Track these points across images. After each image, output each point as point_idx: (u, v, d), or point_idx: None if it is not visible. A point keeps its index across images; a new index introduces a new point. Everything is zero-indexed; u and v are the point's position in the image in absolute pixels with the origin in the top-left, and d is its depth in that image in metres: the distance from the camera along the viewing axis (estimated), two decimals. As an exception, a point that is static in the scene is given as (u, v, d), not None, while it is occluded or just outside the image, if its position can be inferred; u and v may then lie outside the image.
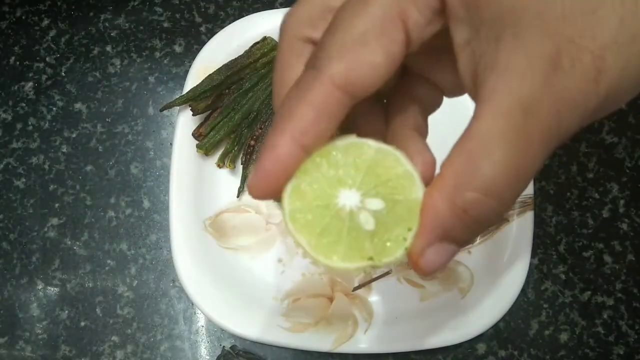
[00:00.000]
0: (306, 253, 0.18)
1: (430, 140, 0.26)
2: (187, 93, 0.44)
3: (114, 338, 0.44)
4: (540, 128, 0.16)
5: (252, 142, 0.44)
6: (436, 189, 0.17)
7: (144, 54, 0.50)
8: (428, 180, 0.19)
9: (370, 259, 0.17)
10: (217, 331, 0.43)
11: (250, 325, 0.40)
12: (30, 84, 0.50)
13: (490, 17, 0.16)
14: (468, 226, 0.17)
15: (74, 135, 0.48)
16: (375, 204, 0.18)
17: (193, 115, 0.44)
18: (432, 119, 0.27)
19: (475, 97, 0.18)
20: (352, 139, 0.19)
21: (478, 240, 0.43)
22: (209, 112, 0.45)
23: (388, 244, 0.18)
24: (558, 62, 0.15)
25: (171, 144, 0.45)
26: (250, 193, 0.18)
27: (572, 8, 0.15)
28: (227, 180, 0.45)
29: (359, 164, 0.18)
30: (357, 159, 0.18)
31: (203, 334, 0.43)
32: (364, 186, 0.18)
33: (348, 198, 0.18)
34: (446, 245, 0.17)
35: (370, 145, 0.19)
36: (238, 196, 0.44)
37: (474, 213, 0.16)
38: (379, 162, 0.18)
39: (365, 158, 0.18)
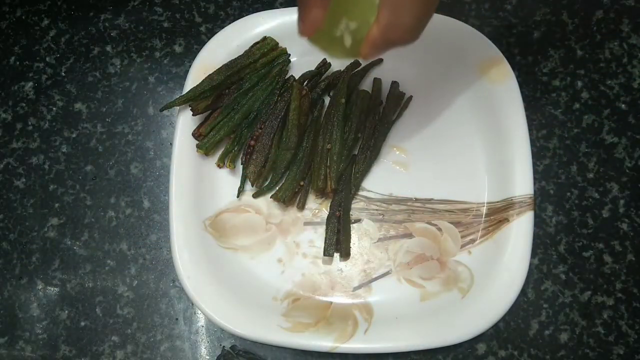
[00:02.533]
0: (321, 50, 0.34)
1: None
2: (187, 93, 0.44)
3: (114, 338, 0.44)
4: None
5: (252, 142, 0.44)
6: (376, 26, 0.30)
7: (144, 54, 0.50)
8: None
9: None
10: (217, 331, 0.43)
11: (250, 325, 0.40)
12: (30, 84, 0.50)
13: None
14: (391, 45, 0.31)
15: (74, 135, 0.48)
16: (352, 25, 0.32)
17: (193, 115, 0.44)
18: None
19: None
20: None
21: (478, 240, 0.43)
22: (209, 112, 0.45)
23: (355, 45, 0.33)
24: None
25: (171, 144, 0.45)
26: (302, 34, 0.32)
27: None
28: (227, 180, 0.45)
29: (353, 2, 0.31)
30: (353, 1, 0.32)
31: (203, 334, 0.43)
32: (350, 15, 0.32)
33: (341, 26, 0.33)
34: (379, 49, 0.31)
35: None
36: (238, 196, 0.44)
37: (395, 43, 0.31)
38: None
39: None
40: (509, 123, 0.43)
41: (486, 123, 0.44)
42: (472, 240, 0.43)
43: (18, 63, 0.50)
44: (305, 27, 0.31)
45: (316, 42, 0.34)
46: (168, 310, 0.44)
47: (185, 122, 0.44)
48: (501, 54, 0.44)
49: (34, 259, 0.46)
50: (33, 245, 0.46)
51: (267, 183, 0.45)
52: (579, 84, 0.47)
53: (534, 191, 0.42)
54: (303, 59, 0.47)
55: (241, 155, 0.45)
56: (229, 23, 0.47)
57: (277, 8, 0.49)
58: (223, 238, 0.43)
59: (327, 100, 0.47)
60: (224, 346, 0.43)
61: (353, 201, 0.44)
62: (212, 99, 0.44)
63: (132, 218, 0.46)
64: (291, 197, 0.44)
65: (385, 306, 0.41)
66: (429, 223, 0.44)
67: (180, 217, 0.42)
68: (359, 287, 0.42)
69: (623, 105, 0.47)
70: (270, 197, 0.44)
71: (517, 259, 0.41)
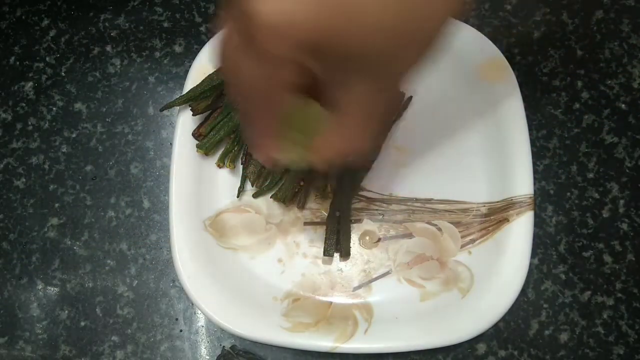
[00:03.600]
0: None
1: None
2: (187, 93, 0.44)
3: (114, 338, 0.44)
4: (381, 107, 0.29)
5: (252, 142, 0.44)
6: (325, 147, 0.30)
7: (144, 54, 0.50)
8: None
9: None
10: (217, 331, 0.43)
11: (250, 325, 0.40)
12: (30, 84, 0.50)
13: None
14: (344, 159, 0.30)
15: (74, 135, 0.48)
16: (302, 138, 0.31)
17: (193, 115, 0.44)
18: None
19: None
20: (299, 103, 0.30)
21: (478, 240, 0.43)
22: (209, 112, 0.45)
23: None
24: None
25: (171, 144, 0.45)
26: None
27: None
28: (227, 180, 0.45)
29: (302, 116, 0.31)
30: (301, 116, 0.31)
31: (203, 334, 0.43)
32: (301, 128, 0.31)
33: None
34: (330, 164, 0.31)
35: (306, 105, 0.31)
36: (238, 196, 0.44)
37: (348, 157, 0.30)
38: (310, 115, 0.31)
39: (304, 113, 0.31)
40: (509, 123, 0.43)
41: (486, 123, 0.44)
42: (472, 240, 0.43)
43: (18, 63, 0.50)
44: (265, 161, 0.32)
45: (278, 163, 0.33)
46: (168, 310, 0.44)
47: (185, 122, 0.44)
48: (501, 54, 0.44)
49: (34, 259, 0.46)
50: (33, 245, 0.46)
51: (267, 183, 0.45)
52: (579, 84, 0.47)
53: (534, 191, 0.42)
54: (303, 59, 0.47)
55: (241, 155, 0.45)
56: (229, 23, 0.47)
57: (277, 8, 0.49)
58: (223, 238, 0.43)
59: (327, 100, 0.46)
60: (224, 346, 0.43)
61: (353, 201, 0.44)
62: (212, 99, 0.44)
63: (132, 218, 0.46)
64: (291, 197, 0.44)
65: (385, 306, 0.41)
66: (429, 223, 0.44)
67: (180, 217, 0.42)
68: (359, 287, 0.42)
69: (623, 105, 0.47)
70: (270, 197, 0.44)
71: (517, 259, 0.41)
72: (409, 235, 0.44)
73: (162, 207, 0.46)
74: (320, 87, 0.28)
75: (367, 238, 0.44)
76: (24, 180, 0.47)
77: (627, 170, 0.45)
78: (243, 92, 0.26)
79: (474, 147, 0.45)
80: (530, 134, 0.43)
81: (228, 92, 0.30)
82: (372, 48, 0.23)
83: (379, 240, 0.44)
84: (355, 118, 0.28)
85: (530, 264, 0.41)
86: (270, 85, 0.25)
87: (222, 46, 0.25)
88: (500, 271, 0.41)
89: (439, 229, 0.43)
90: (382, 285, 0.42)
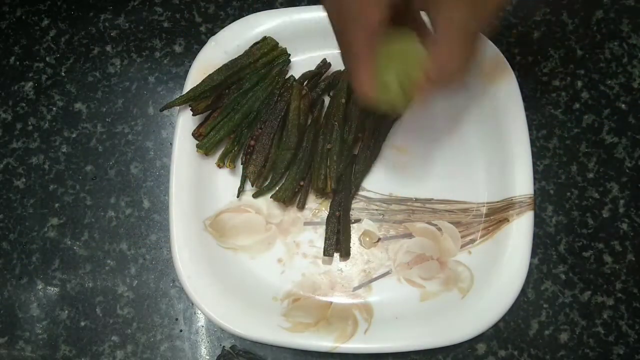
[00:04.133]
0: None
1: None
2: (187, 93, 0.44)
3: (114, 338, 0.44)
4: (477, 27, 0.30)
5: (252, 142, 0.44)
6: (424, 78, 0.31)
7: (144, 54, 0.50)
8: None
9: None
10: (217, 331, 0.43)
11: (250, 325, 0.40)
12: (30, 84, 0.50)
13: None
14: (442, 89, 0.33)
15: (74, 135, 0.48)
16: (403, 78, 0.33)
17: (193, 115, 0.44)
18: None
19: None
20: (399, 42, 0.32)
21: (478, 240, 0.43)
22: (209, 112, 0.45)
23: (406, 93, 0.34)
24: None
25: (171, 144, 0.45)
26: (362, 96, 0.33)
27: None
28: (227, 180, 0.45)
29: (401, 56, 0.32)
30: (401, 55, 0.32)
31: (203, 334, 0.43)
32: (400, 68, 0.32)
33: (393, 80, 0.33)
34: (431, 95, 0.33)
35: (405, 43, 0.32)
36: (238, 196, 0.44)
37: (447, 84, 0.32)
38: (409, 53, 0.32)
39: (404, 52, 0.32)
40: (509, 123, 0.43)
41: (486, 123, 0.44)
42: (472, 240, 0.43)
43: (18, 63, 0.50)
44: (362, 92, 0.32)
45: (378, 104, 0.34)
46: (168, 310, 0.44)
47: (185, 122, 0.44)
48: (501, 54, 0.44)
49: (34, 259, 0.46)
50: (33, 245, 0.46)
51: (267, 183, 0.45)
52: (579, 84, 0.47)
53: (534, 191, 0.42)
54: (303, 59, 0.47)
55: (241, 155, 0.45)
56: (229, 23, 0.47)
57: (277, 8, 0.49)
58: (223, 238, 0.43)
59: (327, 100, 0.47)
60: (224, 346, 0.43)
61: (353, 201, 0.44)
62: (212, 99, 0.44)
63: (132, 218, 0.46)
64: (291, 197, 0.44)
65: (385, 306, 0.41)
66: (429, 223, 0.44)
67: (180, 217, 0.42)
68: (359, 287, 0.42)
69: (623, 105, 0.47)
70: (270, 197, 0.44)
71: (517, 259, 0.41)
72: (409, 235, 0.44)
73: (162, 207, 0.46)
74: (417, 19, 0.29)
75: (367, 238, 0.44)
76: (24, 180, 0.47)
77: (627, 170, 0.45)
78: (344, 18, 0.27)
79: (474, 147, 0.45)
80: (530, 134, 0.43)
81: (330, 20, 0.31)
82: None
83: (379, 240, 0.44)
84: (452, 41, 0.29)
85: (530, 264, 0.41)
86: (369, 5, 0.26)
87: None
88: (500, 271, 0.41)
89: (439, 229, 0.43)
90: (382, 285, 0.42)
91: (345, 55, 0.31)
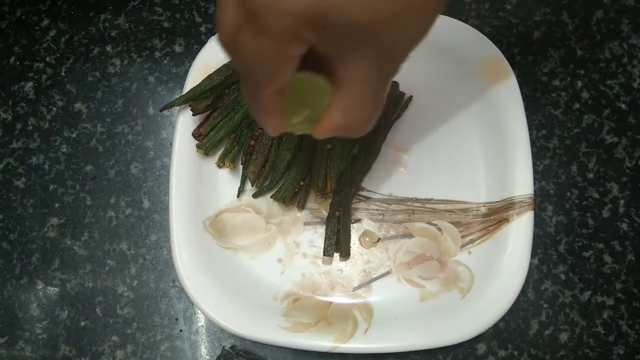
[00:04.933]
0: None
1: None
2: (187, 93, 0.44)
3: (114, 338, 0.44)
4: (386, 78, 0.29)
5: (252, 142, 0.44)
6: (328, 121, 0.30)
7: (144, 54, 0.50)
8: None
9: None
10: (217, 331, 0.43)
11: (250, 325, 0.40)
12: (30, 84, 0.50)
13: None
14: (347, 135, 0.31)
15: (74, 135, 0.48)
16: (306, 112, 0.31)
17: (193, 115, 0.44)
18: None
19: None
20: (302, 78, 0.29)
21: (478, 240, 0.43)
22: (209, 112, 0.45)
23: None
24: None
25: (171, 144, 0.45)
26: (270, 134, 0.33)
27: None
28: (227, 180, 0.45)
29: (305, 91, 0.30)
30: (304, 90, 0.30)
31: (203, 334, 0.43)
32: (304, 103, 0.31)
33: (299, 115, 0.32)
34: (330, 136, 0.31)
35: (308, 79, 0.29)
36: (238, 196, 0.44)
37: (352, 134, 0.31)
38: (312, 89, 0.30)
39: (307, 88, 0.30)
40: (509, 123, 0.43)
41: (486, 123, 0.44)
42: (472, 240, 0.43)
43: (18, 63, 0.50)
44: (270, 132, 0.32)
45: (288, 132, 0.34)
46: (168, 310, 0.44)
47: (185, 122, 0.44)
48: (501, 54, 0.44)
49: (34, 259, 0.46)
50: (33, 245, 0.46)
51: (267, 183, 0.45)
52: (579, 84, 0.47)
53: (534, 191, 0.42)
54: (303, 59, 0.47)
55: (241, 155, 0.45)
56: (229, 23, 0.47)
57: (277, 8, 0.49)
58: (223, 238, 0.43)
59: (327, 100, 0.46)
60: (224, 346, 0.43)
61: (353, 201, 0.44)
62: (212, 99, 0.44)
63: (132, 218, 0.46)
64: (291, 197, 0.44)
65: (385, 306, 0.41)
66: (429, 223, 0.44)
67: (180, 217, 0.42)
68: (359, 287, 0.42)
69: (623, 105, 0.47)
70: (270, 197, 0.44)
71: (517, 259, 0.41)
72: (409, 235, 0.44)
73: (162, 207, 0.46)
74: (323, 62, 0.28)
75: (367, 238, 0.44)
76: (24, 180, 0.47)
77: (627, 170, 0.45)
78: (248, 69, 0.27)
79: (474, 147, 0.45)
80: (530, 134, 0.43)
81: (235, 67, 0.30)
82: (365, 21, 0.24)
83: (379, 240, 0.44)
84: (356, 93, 0.28)
85: (530, 264, 0.41)
86: (274, 60, 0.25)
87: (223, 27, 0.26)
88: (500, 271, 0.41)
89: (439, 229, 0.43)
90: (382, 285, 0.42)
91: (251, 104, 0.30)
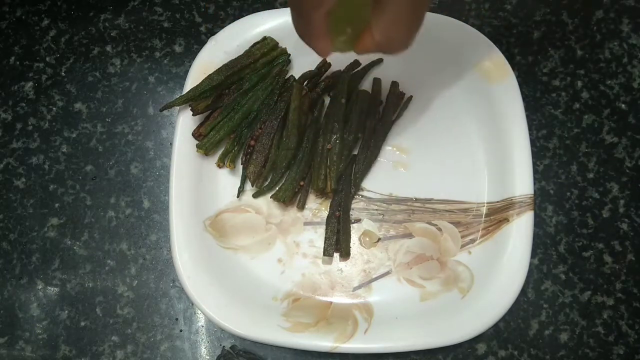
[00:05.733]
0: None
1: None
2: (187, 93, 0.44)
3: (114, 338, 0.44)
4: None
5: (252, 142, 0.44)
6: (369, 38, 0.31)
7: (144, 54, 0.50)
8: None
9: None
10: (217, 331, 0.43)
11: (250, 325, 0.40)
12: (30, 84, 0.50)
13: None
14: (383, 53, 0.32)
15: (74, 135, 0.48)
16: (349, 30, 0.33)
17: (193, 115, 0.44)
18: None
19: None
20: None
21: (478, 240, 0.43)
22: (209, 112, 0.45)
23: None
24: None
25: (171, 144, 0.45)
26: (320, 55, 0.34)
27: None
28: (227, 180, 0.45)
29: (348, 5, 0.32)
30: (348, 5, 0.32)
31: (203, 334, 0.43)
32: (348, 18, 0.32)
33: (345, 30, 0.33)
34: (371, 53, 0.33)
35: None
36: (238, 196, 0.44)
37: (389, 51, 0.32)
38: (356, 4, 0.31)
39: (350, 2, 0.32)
40: (509, 123, 0.43)
41: (486, 123, 0.44)
42: (472, 240, 0.43)
43: (18, 63, 0.50)
44: (320, 54, 0.34)
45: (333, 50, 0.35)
46: (168, 310, 0.44)
47: (185, 122, 0.44)
48: (501, 54, 0.44)
49: (34, 259, 0.46)
50: (33, 245, 0.46)
51: (267, 183, 0.45)
52: (579, 84, 0.47)
53: (534, 191, 0.42)
54: (303, 59, 0.47)
55: (241, 155, 0.45)
56: (229, 23, 0.47)
57: (277, 8, 0.49)
58: (223, 238, 0.43)
59: (327, 100, 0.47)
60: (224, 346, 0.43)
61: (353, 201, 0.44)
62: (212, 99, 0.44)
63: (132, 218, 0.46)
64: (291, 197, 0.44)
65: (385, 306, 0.41)
66: (429, 223, 0.44)
67: (180, 217, 0.42)
68: (359, 287, 0.42)
69: (623, 105, 0.47)
70: (270, 197, 0.44)
71: (517, 259, 0.41)
72: (409, 235, 0.44)
73: (162, 207, 0.46)
74: None
75: (367, 238, 0.44)
76: (24, 180, 0.47)
77: (627, 170, 0.45)
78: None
79: (474, 147, 0.45)
80: (530, 134, 0.43)
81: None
82: None
83: (379, 240, 0.44)
84: (397, 11, 0.29)
85: (530, 264, 0.41)
86: None
87: None
88: (500, 271, 0.41)
89: (439, 229, 0.43)
90: (382, 285, 0.42)
91: (301, 30, 0.32)
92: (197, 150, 0.44)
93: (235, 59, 0.45)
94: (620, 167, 0.45)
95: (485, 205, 0.43)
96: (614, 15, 0.49)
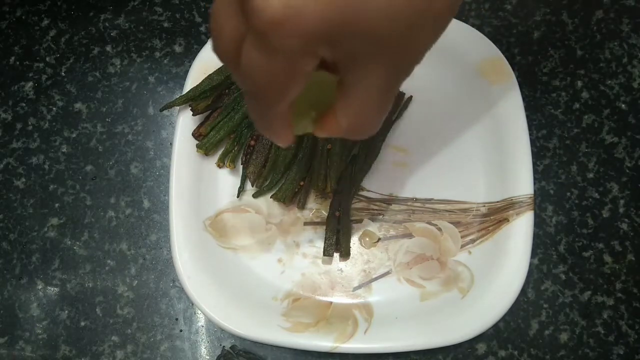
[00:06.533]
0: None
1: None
2: (187, 93, 0.44)
3: (114, 338, 0.44)
4: (395, 87, 0.28)
5: (252, 142, 0.44)
6: (334, 123, 0.28)
7: (144, 54, 0.50)
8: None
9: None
10: (217, 331, 0.43)
11: (250, 325, 0.40)
12: (30, 84, 0.50)
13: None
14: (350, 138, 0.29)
15: (74, 135, 0.48)
16: (312, 113, 0.31)
17: (193, 115, 0.44)
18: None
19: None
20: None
21: (478, 240, 0.43)
22: (209, 112, 0.45)
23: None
24: None
25: (171, 144, 0.45)
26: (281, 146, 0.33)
27: None
28: (227, 180, 0.45)
29: (312, 88, 0.28)
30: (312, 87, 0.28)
31: (203, 334, 0.43)
32: (311, 100, 0.30)
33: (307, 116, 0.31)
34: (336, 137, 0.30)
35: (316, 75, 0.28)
36: (238, 196, 0.44)
37: (357, 137, 0.29)
38: (321, 85, 0.29)
39: (315, 84, 0.29)
40: (509, 123, 0.43)
41: (486, 123, 0.44)
42: (472, 240, 0.43)
43: (18, 63, 0.50)
44: (280, 145, 0.31)
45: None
46: (168, 310, 0.44)
47: (185, 122, 0.44)
48: (501, 54, 0.44)
49: (34, 259, 0.46)
50: (33, 245, 0.46)
51: (267, 183, 0.45)
52: (579, 84, 0.47)
53: (534, 191, 0.42)
54: (303, 59, 0.47)
55: (241, 155, 0.45)
56: (229, 23, 0.47)
57: (277, 8, 0.48)
58: (223, 238, 0.43)
59: (327, 100, 0.46)
60: (224, 346, 0.43)
61: (353, 201, 0.44)
62: (212, 99, 0.44)
63: (132, 218, 0.46)
64: (291, 197, 0.44)
65: (385, 306, 0.41)
66: (429, 223, 0.44)
67: (180, 217, 0.42)
68: (359, 287, 0.42)
69: (623, 105, 0.47)
70: (270, 197, 0.44)
71: (517, 259, 0.41)
72: (409, 235, 0.44)
73: (162, 207, 0.46)
74: (328, 64, 0.27)
75: (367, 238, 0.44)
76: (24, 180, 0.47)
77: (627, 170, 0.45)
78: (254, 86, 0.25)
79: (474, 147, 0.45)
80: (530, 134, 0.43)
81: (238, 84, 0.28)
82: (384, 30, 0.23)
83: (379, 240, 0.44)
84: (365, 99, 0.27)
85: (530, 264, 0.41)
86: (285, 77, 0.24)
87: (221, 39, 0.24)
88: (500, 271, 0.41)
89: (439, 229, 0.43)
90: (382, 285, 0.42)
91: (259, 122, 0.28)
92: (197, 150, 0.44)
93: (235, 59, 0.45)
94: (620, 167, 0.45)
95: (485, 205, 0.43)
96: (614, 15, 0.49)
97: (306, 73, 0.24)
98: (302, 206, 0.44)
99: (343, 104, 0.27)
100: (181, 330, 0.43)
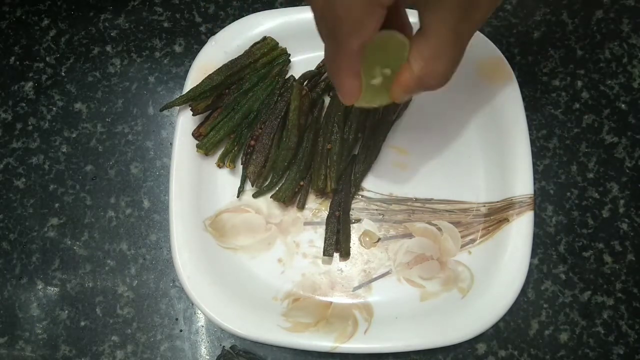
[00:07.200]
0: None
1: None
2: (187, 93, 0.44)
3: (114, 338, 0.44)
4: (469, 30, 0.29)
5: (252, 142, 0.44)
6: (408, 74, 0.30)
7: (144, 54, 0.50)
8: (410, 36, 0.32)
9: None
10: (217, 331, 0.43)
11: (250, 325, 0.40)
12: (30, 84, 0.50)
13: None
14: (424, 90, 0.31)
15: (74, 135, 0.48)
16: (386, 71, 0.32)
17: (193, 115, 0.44)
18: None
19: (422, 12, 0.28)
20: (382, 35, 0.30)
21: (478, 240, 0.43)
22: (209, 112, 0.45)
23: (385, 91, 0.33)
24: None
25: (171, 144, 0.45)
26: (345, 103, 0.33)
27: None
28: (227, 180, 0.45)
29: (385, 48, 0.31)
30: (384, 48, 0.31)
31: (203, 334, 0.43)
32: (384, 62, 0.32)
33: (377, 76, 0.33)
34: (412, 94, 0.32)
35: (389, 35, 0.31)
36: (238, 196, 0.44)
37: (429, 86, 0.31)
38: (393, 46, 0.31)
39: (387, 44, 0.31)
40: (509, 123, 0.43)
41: (486, 123, 0.44)
42: (472, 240, 0.43)
43: (18, 63, 0.50)
44: (345, 99, 0.32)
45: (360, 103, 0.34)
46: (168, 310, 0.44)
47: (185, 122, 0.44)
48: (501, 54, 0.44)
49: (34, 259, 0.46)
50: (33, 245, 0.46)
51: (267, 183, 0.45)
52: (579, 84, 0.47)
53: (534, 191, 0.42)
54: (303, 59, 0.47)
55: (241, 155, 0.45)
56: (229, 23, 0.47)
57: (277, 8, 0.49)
58: (223, 238, 0.43)
59: (327, 100, 0.47)
60: (224, 346, 0.43)
61: (353, 201, 0.44)
62: (212, 99, 0.44)
63: (132, 218, 0.46)
64: (291, 197, 0.44)
65: (385, 306, 0.41)
66: (429, 223, 0.44)
67: (180, 217, 0.42)
68: (359, 287, 0.42)
69: (623, 105, 0.47)
70: (270, 197, 0.44)
71: (517, 259, 0.41)
72: (409, 235, 0.44)
73: (162, 207, 0.46)
74: (402, 15, 0.29)
75: (367, 238, 0.44)
76: (24, 180, 0.47)
77: (627, 170, 0.45)
78: (335, 18, 0.27)
79: (474, 147, 0.45)
80: (530, 134, 0.43)
81: (318, 28, 0.30)
82: None
83: (379, 240, 0.44)
84: (439, 42, 0.28)
85: (530, 264, 0.41)
86: (364, 7, 0.26)
87: None
88: (500, 271, 0.41)
89: (439, 229, 0.43)
90: (382, 285, 0.42)
91: (331, 65, 0.30)
92: (197, 150, 0.44)
93: (235, 59, 0.45)
94: (620, 167, 0.45)
95: (485, 205, 0.43)
96: (614, 15, 0.49)
97: (383, 6, 0.26)
98: (302, 206, 0.44)
99: (416, 50, 0.29)
100: (181, 330, 0.43)
